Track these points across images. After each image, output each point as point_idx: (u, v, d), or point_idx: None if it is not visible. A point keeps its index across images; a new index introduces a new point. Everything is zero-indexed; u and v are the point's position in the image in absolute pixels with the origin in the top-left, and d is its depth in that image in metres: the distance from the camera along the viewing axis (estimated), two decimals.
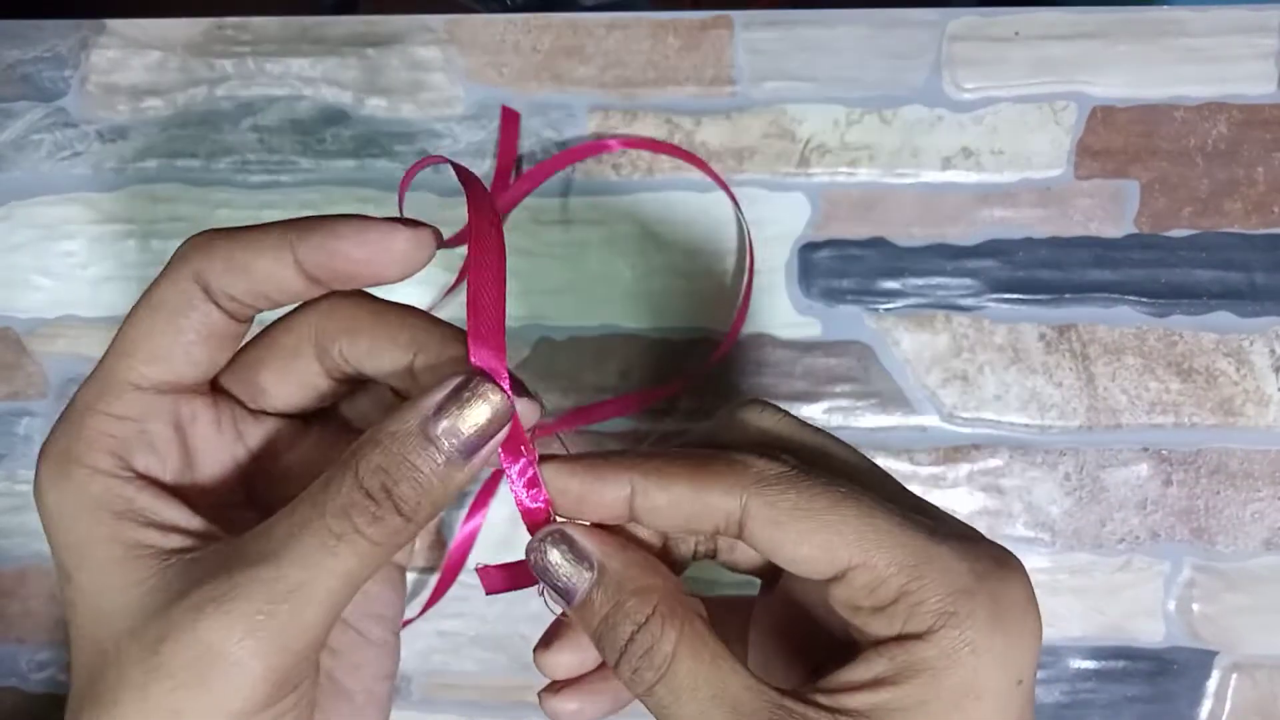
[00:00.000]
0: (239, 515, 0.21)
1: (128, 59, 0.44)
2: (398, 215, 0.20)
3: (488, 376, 0.19)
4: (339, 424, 0.24)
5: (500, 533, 0.42)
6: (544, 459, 0.20)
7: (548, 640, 0.23)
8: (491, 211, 0.19)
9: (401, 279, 0.20)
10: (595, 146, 0.42)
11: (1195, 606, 0.40)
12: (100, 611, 0.19)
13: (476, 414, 0.19)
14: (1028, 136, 0.42)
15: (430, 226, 0.20)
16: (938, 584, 0.19)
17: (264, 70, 0.44)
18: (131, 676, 0.18)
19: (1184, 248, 0.41)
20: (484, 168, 0.43)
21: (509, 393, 0.19)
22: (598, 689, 0.23)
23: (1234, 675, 0.40)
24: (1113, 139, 0.42)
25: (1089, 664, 0.41)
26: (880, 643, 0.19)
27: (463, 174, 0.20)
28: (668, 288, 0.42)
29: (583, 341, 0.42)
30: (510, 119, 0.42)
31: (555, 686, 0.23)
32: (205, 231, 0.20)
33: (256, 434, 0.22)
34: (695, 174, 0.42)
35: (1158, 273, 0.41)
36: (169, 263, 0.20)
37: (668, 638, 0.19)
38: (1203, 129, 0.41)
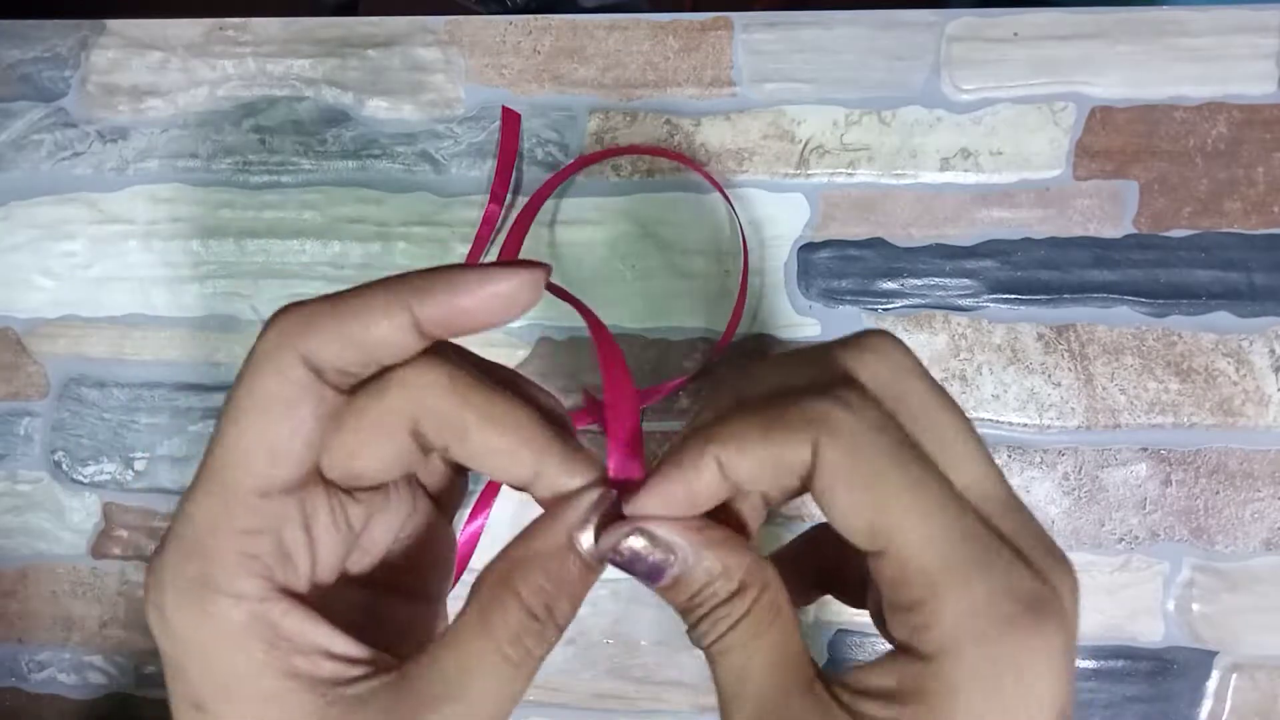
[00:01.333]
0: (342, 599, 0.21)
1: (128, 59, 0.44)
2: (506, 260, 0.20)
3: (617, 484, 0.20)
4: (409, 482, 0.23)
5: (503, 533, 0.42)
6: (632, 489, 0.20)
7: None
8: (603, 330, 0.21)
9: (517, 319, 0.20)
10: (586, 160, 0.42)
11: (1195, 606, 0.41)
12: None
13: (618, 533, 0.19)
14: (1027, 137, 0.42)
15: (542, 265, 0.19)
16: (955, 612, 0.17)
17: (265, 71, 0.44)
18: None
19: (1183, 248, 0.41)
20: (485, 168, 0.43)
21: (625, 490, 0.20)
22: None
23: (1234, 675, 0.40)
24: (1112, 139, 0.42)
25: (1089, 664, 0.41)
26: (899, 650, 0.18)
27: (566, 297, 0.21)
28: (667, 288, 0.42)
29: (583, 341, 0.42)
30: (510, 119, 0.43)
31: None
32: (294, 306, 0.19)
33: (358, 515, 0.21)
34: (695, 175, 0.42)
35: (1157, 273, 0.41)
36: (262, 347, 0.18)
37: (739, 609, 0.20)
38: (1203, 129, 0.42)
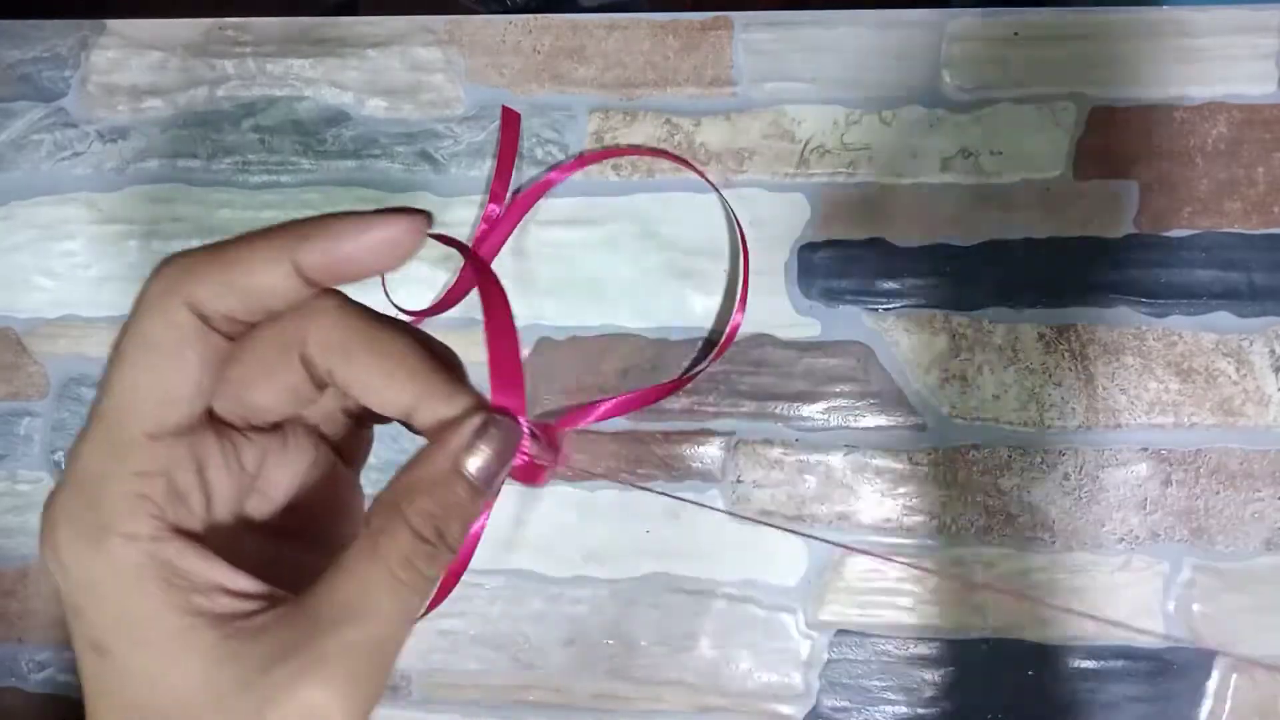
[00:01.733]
0: (242, 543, 0.21)
1: (128, 59, 0.44)
2: (387, 207, 0.20)
3: (499, 412, 0.21)
4: (304, 427, 0.24)
5: (503, 533, 0.42)
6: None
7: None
8: (488, 271, 0.21)
9: (400, 266, 0.20)
10: (583, 161, 0.42)
11: (1195, 606, 0.40)
12: (156, 686, 0.18)
13: (496, 447, 0.20)
14: (1027, 137, 0.42)
15: (422, 211, 0.20)
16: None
17: (265, 71, 0.44)
18: None
19: (1184, 248, 0.41)
20: (485, 168, 0.43)
21: (522, 423, 0.21)
22: None
23: (1234, 675, 0.40)
24: (1112, 139, 0.42)
25: (1089, 664, 0.41)
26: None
27: (451, 242, 0.21)
28: (668, 288, 0.42)
29: (583, 341, 0.42)
30: (510, 119, 0.43)
31: None
32: (178, 255, 0.19)
33: (252, 456, 0.22)
34: (695, 175, 0.42)
35: (1157, 273, 0.41)
36: (147, 295, 0.19)
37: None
38: (1203, 129, 0.42)
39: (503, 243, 0.42)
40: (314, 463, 0.23)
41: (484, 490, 0.20)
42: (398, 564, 0.19)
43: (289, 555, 0.22)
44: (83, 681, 0.19)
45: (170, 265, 0.19)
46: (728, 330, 0.41)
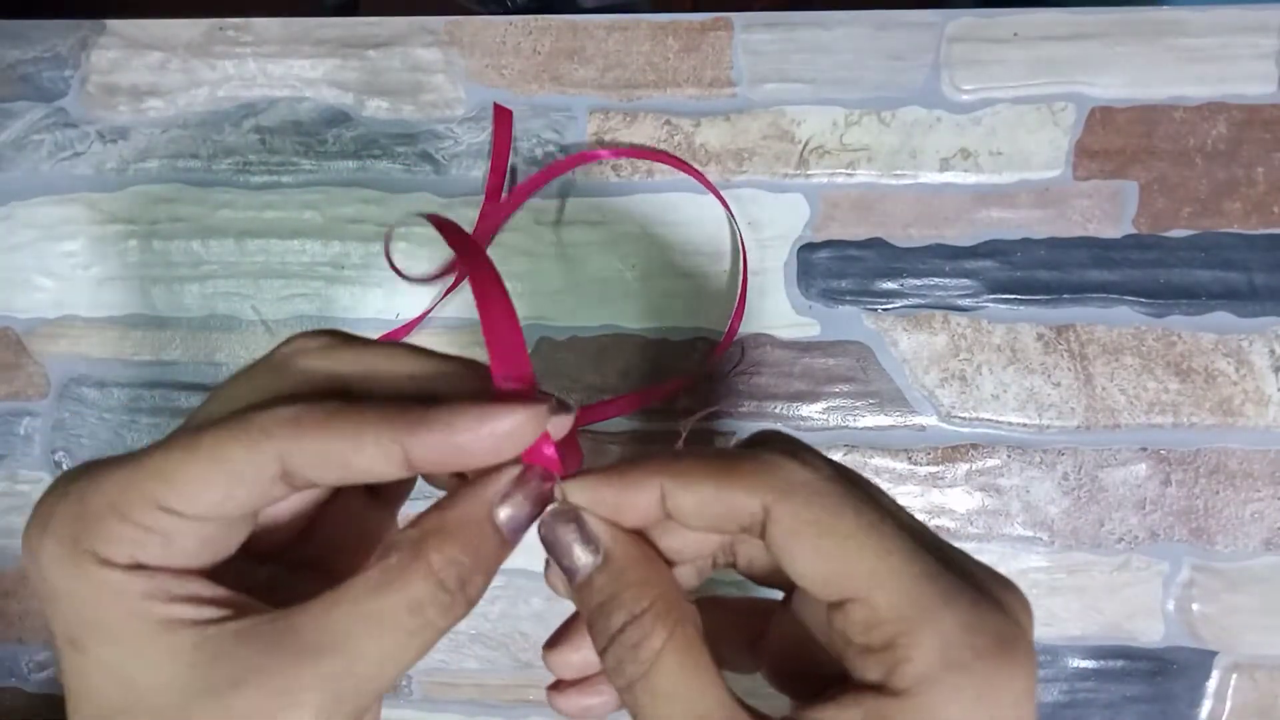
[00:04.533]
0: (240, 570, 0.21)
1: (128, 59, 0.44)
2: (507, 390, 0.19)
3: (541, 471, 0.19)
4: None
5: None
6: (573, 476, 0.21)
7: (556, 640, 0.23)
8: (480, 253, 0.20)
9: (513, 456, 0.19)
10: (583, 158, 0.42)
11: (1195, 606, 0.41)
12: (128, 684, 0.18)
13: (531, 497, 0.19)
14: (1026, 137, 0.42)
15: (543, 400, 0.19)
16: (930, 646, 0.18)
17: (265, 71, 0.44)
18: None
19: (1183, 248, 0.41)
20: (485, 168, 0.43)
21: (557, 471, 0.20)
22: (603, 688, 0.23)
23: (1234, 675, 0.40)
24: (1111, 139, 0.42)
25: (1088, 664, 0.41)
26: (863, 688, 0.19)
27: (441, 224, 0.20)
28: (667, 288, 0.42)
29: (583, 341, 0.42)
30: (503, 116, 0.43)
31: (562, 685, 0.23)
32: (299, 405, 0.18)
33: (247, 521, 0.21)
34: (695, 175, 0.42)
35: (1156, 273, 0.41)
36: (248, 424, 0.18)
37: (657, 635, 0.19)
38: (1202, 129, 0.42)
39: (504, 219, 0.42)
40: (336, 501, 0.23)
41: (510, 543, 0.19)
42: (407, 608, 0.18)
43: (296, 582, 0.21)
44: (62, 673, 0.19)
45: (281, 413, 0.18)
46: (727, 332, 0.41)
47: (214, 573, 0.19)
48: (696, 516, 0.20)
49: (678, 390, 0.42)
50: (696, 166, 0.42)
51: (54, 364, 0.44)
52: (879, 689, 0.18)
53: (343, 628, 0.18)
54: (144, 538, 0.18)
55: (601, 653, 0.20)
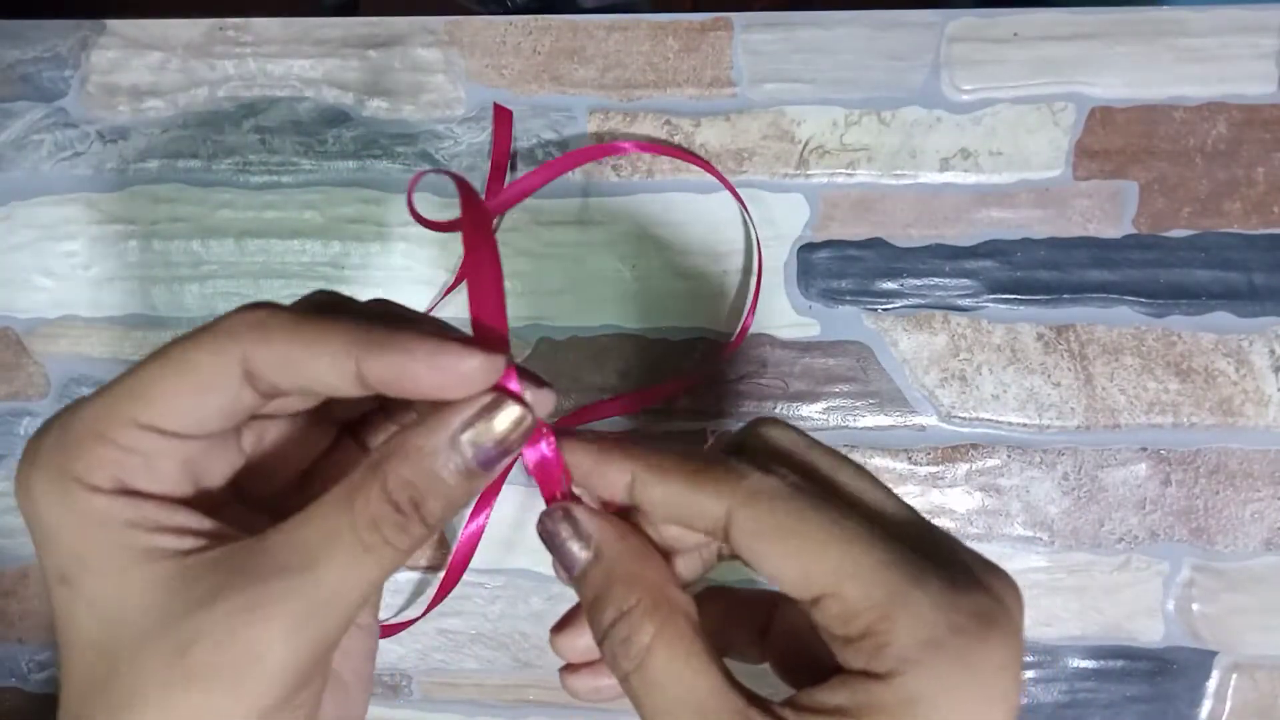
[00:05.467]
0: (231, 510, 0.21)
1: (128, 59, 0.44)
2: (466, 334, 0.19)
3: (510, 392, 0.19)
4: (314, 415, 0.23)
5: (503, 533, 0.42)
6: (562, 433, 0.21)
7: (563, 624, 0.23)
8: (481, 209, 0.20)
9: (462, 397, 0.19)
10: (604, 149, 0.42)
11: (1195, 606, 0.41)
12: (111, 615, 0.19)
13: (501, 428, 0.19)
14: (1026, 137, 0.42)
15: (501, 351, 0.19)
16: (906, 629, 0.18)
17: (265, 71, 0.44)
18: (156, 678, 0.18)
19: (1183, 248, 0.41)
20: (486, 169, 0.43)
21: (528, 405, 0.20)
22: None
23: (1234, 675, 0.40)
24: (1111, 139, 0.42)
25: (1088, 664, 0.41)
26: (850, 673, 0.19)
27: (455, 179, 0.20)
28: (668, 288, 0.42)
29: (583, 341, 0.42)
30: (503, 116, 0.43)
31: (572, 667, 0.24)
32: (260, 308, 0.19)
33: (250, 440, 0.22)
34: (695, 175, 0.42)
35: (1156, 273, 0.41)
36: (214, 329, 0.19)
37: (645, 630, 0.20)
38: (1202, 129, 0.42)
39: (517, 199, 0.42)
40: (334, 452, 0.23)
41: (478, 471, 0.19)
42: (364, 524, 0.19)
43: None
44: (54, 615, 0.19)
45: (245, 315, 0.19)
46: (732, 330, 0.41)
47: (210, 513, 0.20)
48: (662, 510, 0.21)
49: (678, 390, 0.42)
50: (715, 168, 0.42)
51: (54, 364, 0.44)
52: (864, 674, 0.19)
53: (307, 545, 0.19)
54: (125, 459, 0.19)
55: (600, 644, 0.21)
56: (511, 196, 0.42)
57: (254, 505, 0.22)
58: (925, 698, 0.18)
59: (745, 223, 0.42)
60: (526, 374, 0.20)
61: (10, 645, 0.43)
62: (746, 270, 0.42)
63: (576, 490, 0.22)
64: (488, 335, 0.19)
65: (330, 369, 0.19)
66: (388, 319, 0.20)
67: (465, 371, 0.19)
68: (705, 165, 0.42)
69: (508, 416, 0.19)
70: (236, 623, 0.18)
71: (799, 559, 0.19)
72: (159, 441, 0.19)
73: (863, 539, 0.19)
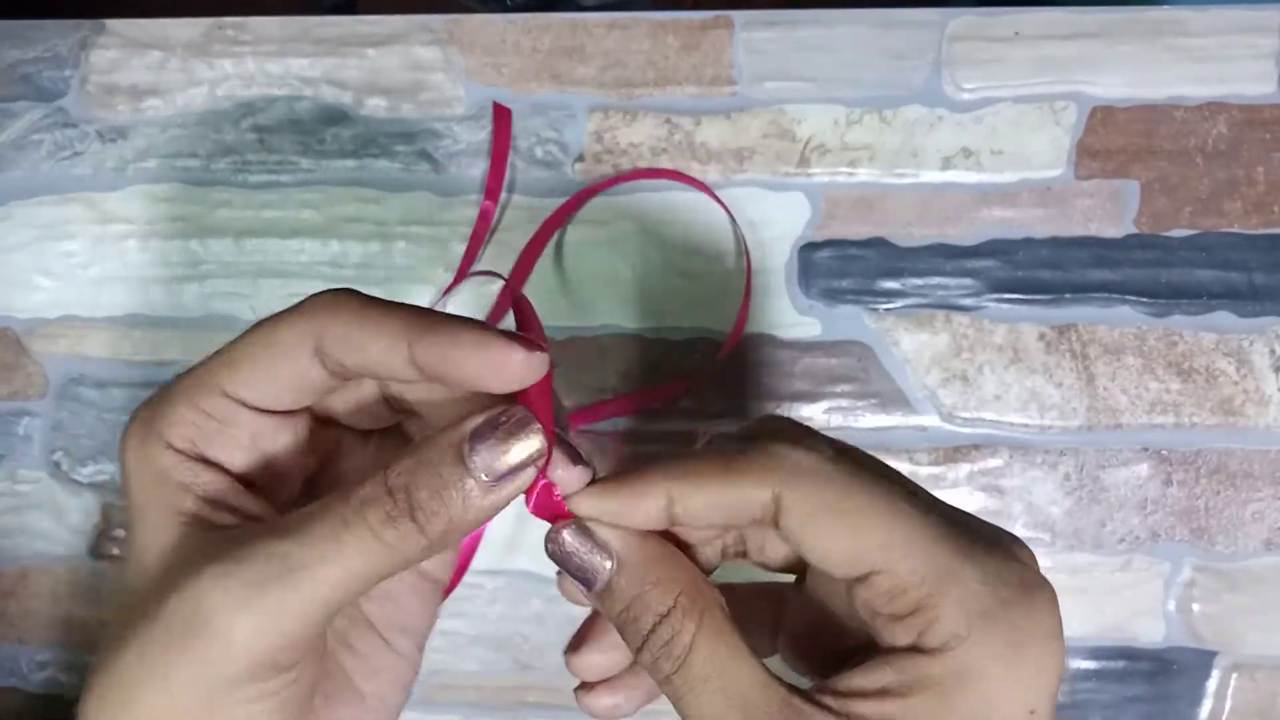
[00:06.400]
0: (289, 502, 0.22)
1: (128, 59, 0.44)
2: (514, 331, 0.20)
3: (533, 418, 0.20)
4: (399, 438, 0.24)
5: (504, 534, 0.42)
6: (578, 491, 0.21)
7: (577, 643, 0.23)
8: (527, 305, 0.22)
9: (505, 392, 0.20)
10: (592, 189, 0.42)
11: (1195, 606, 0.40)
12: (141, 566, 0.20)
13: (515, 450, 0.19)
14: (1028, 136, 0.42)
15: (544, 348, 0.20)
16: (957, 602, 0.19)
17: (264, 70, 0.44)
18: (136, 629, 0.19)
19: (1184, 248, 0.41)
20: (484, 167, 0.43)
21: (551, 437, 0.20)
22: (630, 684, 0.23)
23: (1234, 675, 0.40)
24: (1112, 139, 0.42)
25: (1089, 664, 0.41)
26: (894, 651, 0.19)
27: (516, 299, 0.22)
28: (668, 288, 0.42)
29: (583, 341, 0.42)
30: (502, 115, 0.43)
31: (588, 685, 0.23)
32: (341, 292, 0.20)
33: (324, 442, 0.23)
34: (695, 175, 0.42)
35: (1158, 273, 0.41)
36: (295, 307, 0.20)
37: (687, 630, 0.20)
38: (1203, 129, 0.41)
39: (533, 264, 0.42)
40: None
41: (483, 484, 0.19)
42: (352, 503, 0.19)
43: None
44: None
45: (325, 297, 0.20)
46: (729, 332, 0.41)
47: (272, 501, 0.21)
48: (707, 516, 0.20)
49: (678, 391, 0.42)
50: (697, 166, 0.42)
51: (53, 364, 0.44)
52: (912, 651, 0.19)
53: (296, 519, 0.19)
54: (204, 423, 0.20)
55: (636, 652, 0.21)
56: (529, 256, 0.42)
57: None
58: (977, 670, 0.18)
59: (734, 229, 0.42)
60: (565, 445, 0.20)
61: (10, 645, 0.43)
62: (751, 276, 0.42)
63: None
64: (531, 346, 0.20)
65: (387, 349, 0.19)
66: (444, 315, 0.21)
67: (507, 365, 0.19)
68: (681, 177, 0.42)
69: (524, 441, 0.19)
70: (196, 579, 0.18)
71: (850, 537, 0.19)
72: (237, 411, 0.20)
73: (910, 515, 0.19)
